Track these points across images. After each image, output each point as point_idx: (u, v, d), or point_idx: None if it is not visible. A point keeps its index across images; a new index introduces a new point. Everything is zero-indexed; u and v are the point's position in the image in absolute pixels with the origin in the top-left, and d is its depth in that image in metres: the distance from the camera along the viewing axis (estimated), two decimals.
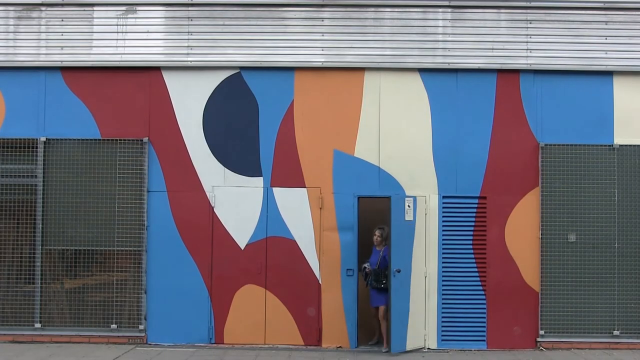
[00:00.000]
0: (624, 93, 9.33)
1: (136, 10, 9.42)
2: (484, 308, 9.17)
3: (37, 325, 9.20)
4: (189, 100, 9.40)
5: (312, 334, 9.20)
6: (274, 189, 9.31)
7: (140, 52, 9.40)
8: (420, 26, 9.38)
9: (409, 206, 9.00)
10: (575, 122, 9.32)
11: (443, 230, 9.24)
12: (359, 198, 9.25)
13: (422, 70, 9.39)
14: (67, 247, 9.28)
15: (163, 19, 9.44)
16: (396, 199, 8.87)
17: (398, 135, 9.33)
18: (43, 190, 9.29)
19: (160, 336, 9.21)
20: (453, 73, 9.38)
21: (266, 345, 9.17)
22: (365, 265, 9.14)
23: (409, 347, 8.94)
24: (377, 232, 9.22)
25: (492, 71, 9.35)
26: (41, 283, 9.24)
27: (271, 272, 9.22)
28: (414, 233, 9.08)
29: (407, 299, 8.94)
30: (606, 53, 9.31)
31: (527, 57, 9.32)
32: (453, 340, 9.18)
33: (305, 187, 9.30)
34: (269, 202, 9.28)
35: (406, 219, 8.98)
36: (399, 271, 8.80)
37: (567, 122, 9.32)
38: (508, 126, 9.32)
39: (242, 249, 9.26)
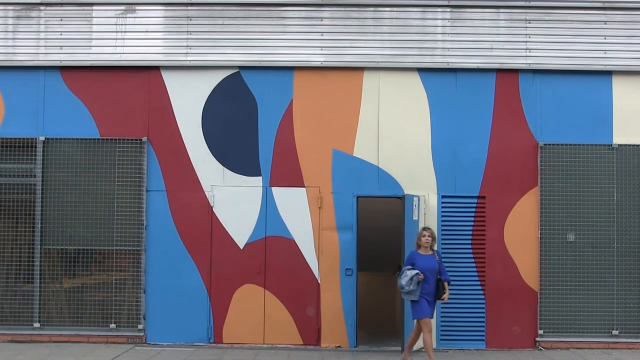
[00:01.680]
0: (623, 93, 9.33)
1: (135, 10, 9.42)
2: (483, 308, 9.17)
3: (36, 324, 9.20)
4: (188, 100, 9.40)
5: (311, 334, 9.20)
6: (273, 188, 9.30)
7: (139, 51, 9.40)
8: (419, 26, 9.39)
9: (414, 205, 9.01)
10: (575, 122, 9.32)
11: (442, 230, 9.24)
12: (358, 198, 9.25)
13: (421, 70, 9.39)
14: (66, 247, 9.28)
15: (162, 19, 9.44)
16: (408, 198, 8.90)
17: (397, 135, 9.33)
18: (42, 189, 9.28)
19: (159, 336, 9.21)
20: (452, 73, 9.38)
21: (265, 345, 9.17)
22: (418, 272, 7.81)
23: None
24: (427, 233, 8.07)
25: (491, 71, 9.36)
26: (40, 282, 9.24)
27: (270, 272, 9.22)
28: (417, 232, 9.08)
29: None
30: (605, 53, 9.31)
31: (526, 56, 9.32)
32: (452, 339, 9.18)
33: (304, 186, 9.30)
34: (268, 202, 9.28)
35: (414, 218, 9.01)
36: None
37: (566, 121, 9.33)
38: (507, 126, 9.33)
39: (241, 248, 9.26)
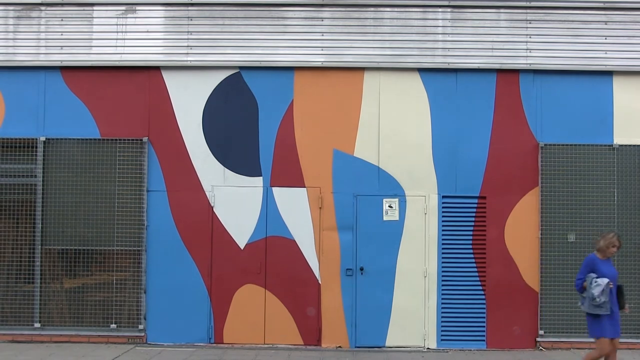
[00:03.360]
0: (623, 93, 9.33)
1: (136, 10, 9.42)
2: (484, 308, 9.18)
3: (37, 324, 9.20)
4: (188, 100, 9.40)
5: (312, 334, 9.20)
6: (273, 188, 9.31)
7: (139, 51, 9.41)
8: (420, 26, 9.38)
9: (390, 206, 9.06)
10: (575, 122, 9.33)
11: (443, 230, 9.25)
12: (358, 198, 9.26)
13: (422, 70, 9.39)
14: (67, 247, 9.28)
15: (163, 19, 9.44)
16: (365, 199, 9.14)
17: (397, 135, 9.33)
18: (42, 189, 9.29)
19: (160, 336, 9.22)
20: (453, 73, 9.38)
21: (265, 345, 9.17)
22: (609, 280, 6.90)
23: (391, 343, 9.10)
24: (616, 236, 7.12)
25: (491, 71, 9.36)
26: (41, 282, 9.24)
27: (271, 272, 9.23)
28: (400, 233, 9.18)
29: (386, 295, 9.18)
30: (606, 53, 9.31)
31: (526, 57, 9.32)
32: (453, 340, 9.18)
33: (304, 186, 9.31)
34: (268, 202, 9.28)
35: (385, 219, 9.10)
36: (362, 269, 9.10)
37: (566, 122, 9.33)
38: (508, 126, 9.33)
39: (242, 248, 9.26)
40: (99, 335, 9.20)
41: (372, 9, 9.40)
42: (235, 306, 9.21)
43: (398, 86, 9.38)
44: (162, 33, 9.44)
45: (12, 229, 9.37)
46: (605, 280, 6.86)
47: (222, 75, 9.42)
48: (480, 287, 9.19)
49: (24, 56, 9.46)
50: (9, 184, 9.35)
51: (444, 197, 9.29)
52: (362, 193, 9.25)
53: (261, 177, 9.34)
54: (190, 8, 9.42)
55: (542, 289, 9.15)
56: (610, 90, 9.35)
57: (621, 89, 9.34)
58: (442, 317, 9.18)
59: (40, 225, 9.26)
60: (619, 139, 9.30)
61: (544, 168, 9.26)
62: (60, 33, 9.43)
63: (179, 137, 9.38)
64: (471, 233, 9.26)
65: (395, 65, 9.35)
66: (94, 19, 9.44)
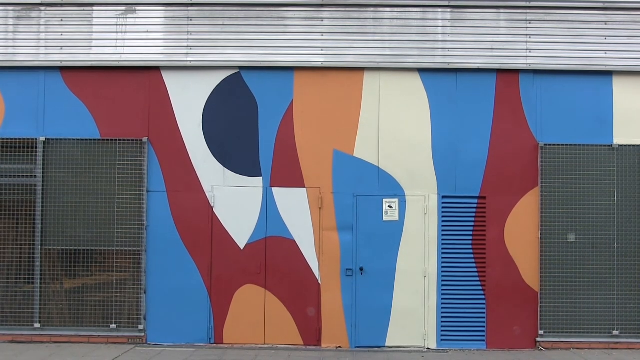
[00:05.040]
0: (623, 93, 9.34)
1: (136, 10, 9.42)
2: (484, 308, 9.18)
3: (37, 325, 9.21)
4: (188, 100, 9.40)
5: (312, 334, 9.21)
6: (273, 188, 9.31)
7: (139, 52, 9.40)
8: (419, 26, 9.39)
9: (389, 207, 9.08)
10: (575, 122, 9.33)
11: (443, 230, 9.25)
12: (358, 198, 9.26)
13: (422, 70, 9.39)
14: (67, 247, 9.28)
15: (162, 19, 9.44)
16: (365, 199, 9.17)
17: (397, 135, 9.33)
18: (42, 190, 9.29)
19: (160, 336, 9.22)
20: (453, 73, 9.38)
21: (266, 345, 9.18)
22: None
23: (392, 343, 9.13)
24: None
25: (491, 71, 9.36)
26: (40, 283, 9.24)
27: (271, 272, 9.23)
28: (400, 233, 9.19)
29: (386, 295, 9.19)
30: (606, 53, 9.31)
31: (526, 57, 9.33)
32: (452, 340, 9.19)
33: (304, 187, 9.31)
34: (268, 202, 9.29)
35: (385, 219, 9.13)
36: (362, 269, 9.14)
37: (566, 122, 9.33)
38: (507, 126, 9.33)
39: (242, 248, 9.26)
40: (99, 336, 9.20)
41: (371, 9, 9.40)
42: (235, 306, 9.22)
43: (398, 86, 9.38)
44: (162, 33, 9.44)
45: (12, 229, 9.37)
46: None
47: (222, 76, 9.42)
48: (480, 287, 9.20)
49: (24, 56, 9.46)
50: (9, 184, 9.34)
51: (443, 197, 9.29)
52: (362, 193, 9.27)
53: (261, 178, 9.34)
54: (190, 8, 9.42)
55: (542, 289, 9.15)
56: (610, 91, 9.35)
57: (621, 89, 9.34)
58: (442, 317, 9.19)
59: (40, 225, 9.26)
60: (619, 139, 9.30)
61: (544, 168, 9.26)
62: (60, 33, 9.43)
63: (179, 137, 9.39)
64: (471, 233, 9.26)
65: (395, 65, 9.36)
66: (94, 19, 9.44)
